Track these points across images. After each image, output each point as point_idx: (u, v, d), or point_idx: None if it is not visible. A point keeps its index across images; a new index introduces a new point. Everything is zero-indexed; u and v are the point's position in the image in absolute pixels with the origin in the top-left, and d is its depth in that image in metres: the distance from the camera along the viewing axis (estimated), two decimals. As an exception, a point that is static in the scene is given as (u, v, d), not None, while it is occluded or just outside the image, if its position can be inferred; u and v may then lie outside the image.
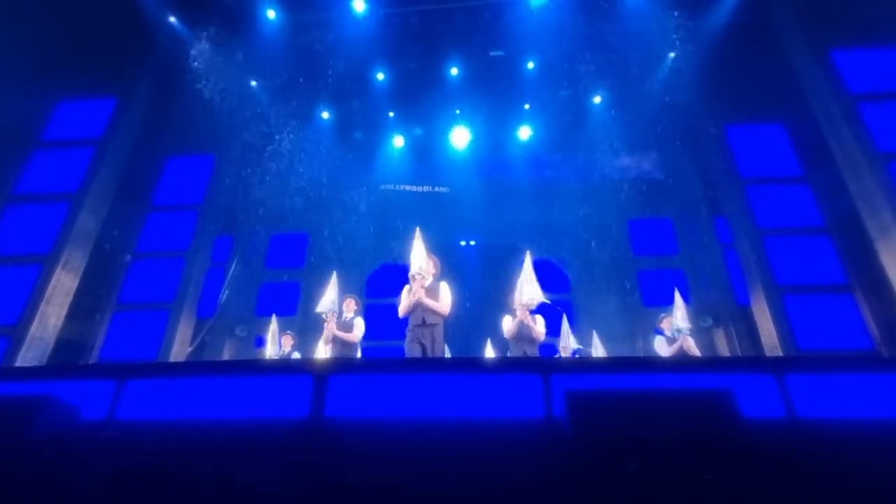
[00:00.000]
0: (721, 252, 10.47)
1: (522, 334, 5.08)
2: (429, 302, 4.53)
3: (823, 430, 2.21)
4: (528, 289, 5.04)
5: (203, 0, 10.12)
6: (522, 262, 5.24)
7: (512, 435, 2.23)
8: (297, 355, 6.67)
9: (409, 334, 4.56)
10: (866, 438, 2.12)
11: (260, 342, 11.16)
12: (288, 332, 6.97)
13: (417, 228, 4.88)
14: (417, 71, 11.28)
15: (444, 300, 4.61)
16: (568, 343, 6.82)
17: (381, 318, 9.90)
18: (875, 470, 1.92)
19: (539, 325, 5.15)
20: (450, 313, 4.68)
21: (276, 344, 6.57)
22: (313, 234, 12.37)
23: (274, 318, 6.86)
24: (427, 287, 4.62)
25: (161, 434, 2.45)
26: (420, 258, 4.66)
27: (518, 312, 5.08)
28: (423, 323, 4.48)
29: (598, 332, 7.13)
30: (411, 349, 4.45)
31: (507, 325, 5.27)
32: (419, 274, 4.57)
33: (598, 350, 6.77)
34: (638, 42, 10.05)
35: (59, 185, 8.80)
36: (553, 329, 7.09)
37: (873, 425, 2.24)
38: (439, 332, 4.55)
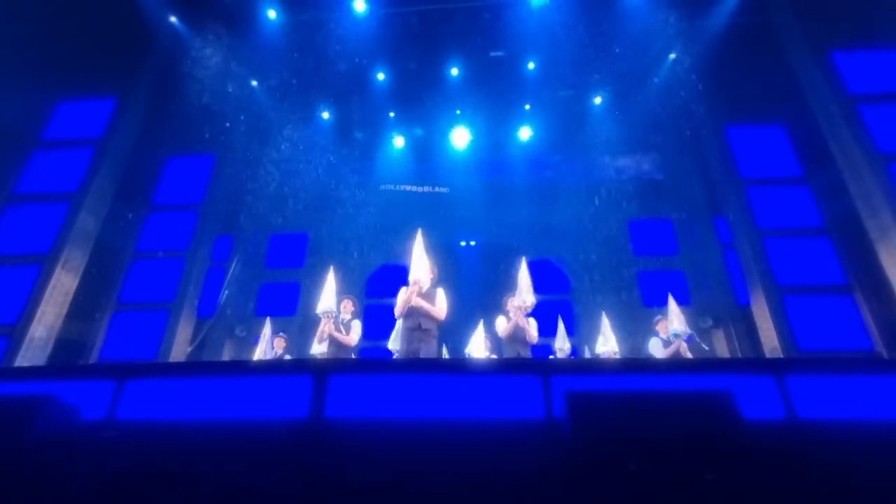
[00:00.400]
0: (721, 252, 10.47)
1: (517, 336, 5.16)
2: (425, 306, 4.57)
3: (823, 431, 2.21)
4: (523, 292, 5.11)
5: (203, 0, 10.12)
6: (519, 265, 5.32)
7: (512, 435, 2.23)
8: (288, 357, 6.66)
9: (404, 337, 4.60)
10: (866, 440, 2.12)
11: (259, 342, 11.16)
12: (281, 334, 6.95)
13: (419, 230, 4.92)
14: (418, 71, 11.29)
15: (440, 306, 4.69)
16: (563, 345, 6.81)
17: (381, 318, 9.90)
18: (875, 471, 1.91)
19: (532, 329, 5.25)
20: (445, 319, 4.75)
21: (269, 346, 6.57)
22: (313, 234, 12.37)
23: (268, 321, 6.82)
24: (424, 293, 4.68)
25: (161, 434, 2.45)
26: (421, 266, 4.70)
27: (512, 315, 5.15)
28: (419, 327, 4.54)
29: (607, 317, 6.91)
30: (407, 353, 4.48)
31: (502, 325, 5.35)
32: (418, 281, 4.63)
33: (607, 337, 6.58)
34: (638, 42, 10.06)
35: (59, 184, 8.80)
36: (549, 329, 7.09)
37: (873, 427, 2.24)
38: (434, 337, 4.63)
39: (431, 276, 4.85)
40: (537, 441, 2.20)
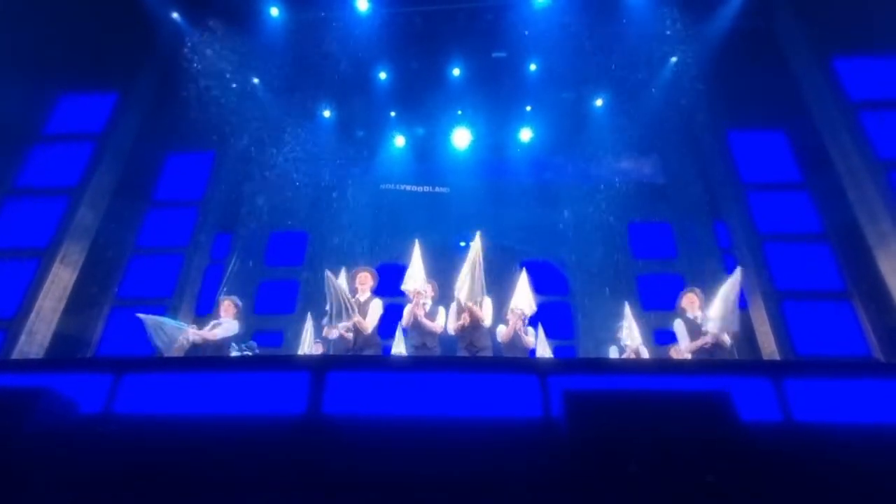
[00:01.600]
0: (720, 257, 10.48)
1: (515, 343, 5.21)
2: (425, 322, 4.69)
3: (820, 433, 2.21)
4: (520, 300, 5.19)
5: (206, -3, 10.13)
6: (519, 270, 5.40)
7: (509, 434, 2.23)
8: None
9: (409, 355, 4.74)
10: (862, 443, 2.12)
11: (258, 340, 11.13)
12: (318, 340, 6.92)
13: (416, 241, 5.02)
14: (420, 71, 11.29)
15: (441, 322, 4.83)
16: (545, 351, 6.74)
17: (385, 316, 9.90)
18: (871, 473, 1.92)
19: (530, 336, 5.34)
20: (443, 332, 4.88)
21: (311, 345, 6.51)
22: (313, 233, 12.35)
23: (309, 317, 6.71)
24: (427, 312, 4.82)
25: (158, 429, 2.44)
26: (419, 278, 4.77)
27: (511, 321, 5.20)
28: (424, 346, 4.64)
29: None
30: None
31: (502, 332, 5.38)
32: (418, 294, 4.70)
33: (632, 329, 6.15)
34: (640, 46, 10.06)
35: (59, 179, 8.78)
36: (551, 331, 7.06)
37: (869, 430, 2.24)
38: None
39: (433, 294, 4.96)
40: (534, 440, 2.20)
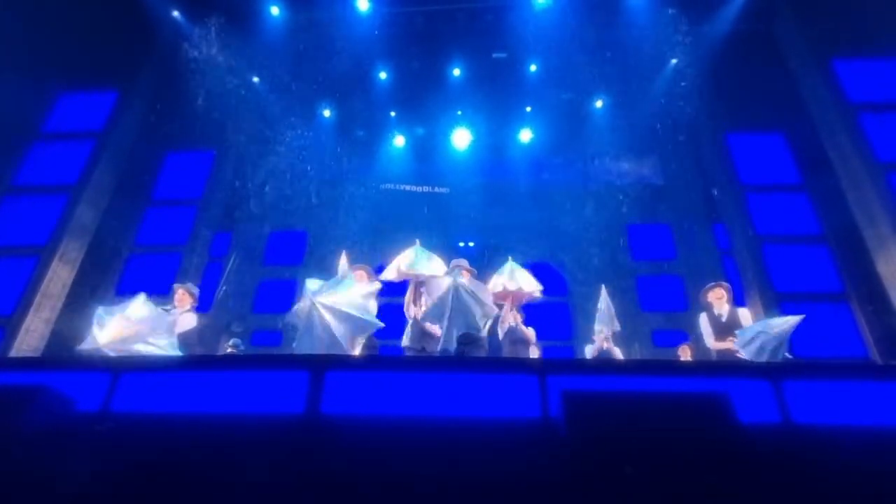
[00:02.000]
0: (719, 258, 10.49)
1: (515, 337, 5.16)
2: (428, 326, 4.66)
3: (818, 435, 2.22)
4: (510, 284, 5.08)
5: (207, -5, 10.13)
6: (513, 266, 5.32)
7: (508, 434, 2.23)
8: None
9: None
10: (860, 444, 2.12)
11: (257, 339, 11.14)
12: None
13: (417, 241, 4.99)
14: (420, 71, 11.30)
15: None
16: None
17: (380, 317, 9.91)
18: (868, 475, 1.92)
19: (530, 330, 5.30)
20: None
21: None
22: (312, 232, 12.34)
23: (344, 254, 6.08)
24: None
25: (155, 427, 2.44)
26: (434, 267, 4.72)
27: (505, 309, 5.14)
28: (424, 350, 4.64)
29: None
30: None
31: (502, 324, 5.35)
32: (419, 277, 4.67)
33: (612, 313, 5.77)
34: (640, 48, 10.08)
35: (59, 177, 8.78)
36: (552, 330, 7.01)
37: (867, 431, 2.25)
38: None
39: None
40: (533, 440, 2.20)
